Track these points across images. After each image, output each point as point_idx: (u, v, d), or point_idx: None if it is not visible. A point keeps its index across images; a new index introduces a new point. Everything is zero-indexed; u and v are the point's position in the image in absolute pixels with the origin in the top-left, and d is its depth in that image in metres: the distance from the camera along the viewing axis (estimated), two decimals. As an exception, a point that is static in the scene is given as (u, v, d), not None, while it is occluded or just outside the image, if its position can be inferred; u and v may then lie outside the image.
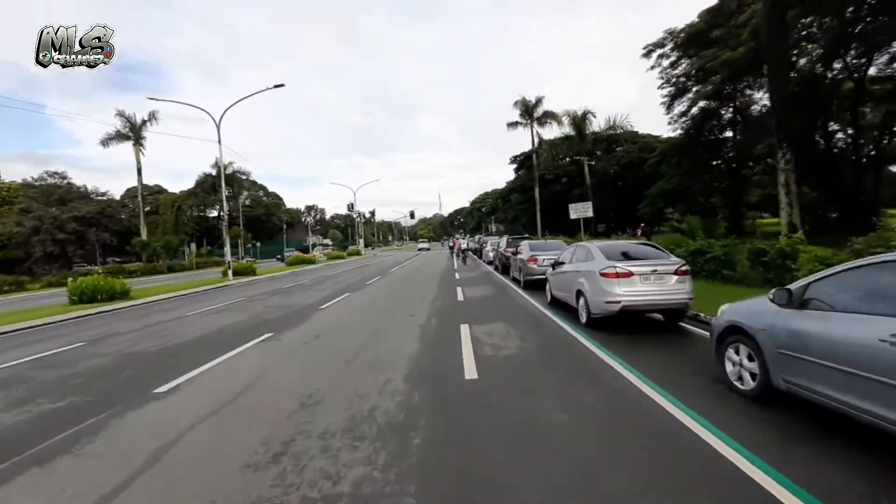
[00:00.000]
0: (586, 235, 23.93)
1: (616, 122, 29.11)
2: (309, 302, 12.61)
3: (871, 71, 20.43)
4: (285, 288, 17.46)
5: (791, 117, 12.48)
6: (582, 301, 7.59)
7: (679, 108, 30.86)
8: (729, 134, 34.10)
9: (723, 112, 32.94)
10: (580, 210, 16.28)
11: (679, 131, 31.50)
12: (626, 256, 7.35)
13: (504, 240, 19.34)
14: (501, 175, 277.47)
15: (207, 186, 59.88)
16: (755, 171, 34.05)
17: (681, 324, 7.27)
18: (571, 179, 56.03)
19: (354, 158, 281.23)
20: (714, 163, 33.79)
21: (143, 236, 43.79)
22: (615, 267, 6.90)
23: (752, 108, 31.89)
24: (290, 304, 12.32)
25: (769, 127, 13.62)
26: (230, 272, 21.35)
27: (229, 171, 59.65)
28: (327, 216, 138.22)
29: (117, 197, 69.73)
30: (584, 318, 7.51)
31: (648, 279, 6.81)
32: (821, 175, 23.82)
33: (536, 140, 41.72)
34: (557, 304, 9.55)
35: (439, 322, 8.55)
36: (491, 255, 23.80)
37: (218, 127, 21.50)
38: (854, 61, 20.53)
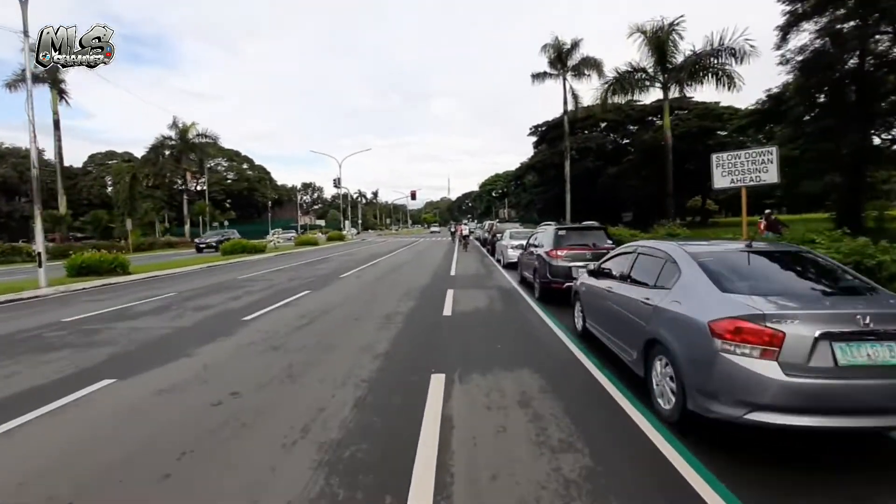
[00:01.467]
0: (674, 224, 14.26)
1: (724, 41, 18.49)
2: None
3: None
4: (73, 323, 7.85)
5: None
6: None
7: (797, 40, 20.48)
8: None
9: (846, 57, 22.78)
10: (748, 169, 6.36)
11: (793, 74, 21.16)
12: None
13: (549, 232, 9.26)
14: (512, 160, 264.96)
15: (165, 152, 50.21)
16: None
17: None
18: (602, 155, 45.55)
19: (362, 139, 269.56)
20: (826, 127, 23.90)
21: (61, 209, 34.25)
22: None
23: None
24: None
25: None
26: (42, 272, 11.78)
27: (191, 134, 49.95)
28: (327, 196, 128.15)
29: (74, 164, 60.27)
30: None
31: None
32: None
33: (570, 98, 31.37)
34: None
35: None
36: (511, 255, 14.00)
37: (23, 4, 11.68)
38: None
